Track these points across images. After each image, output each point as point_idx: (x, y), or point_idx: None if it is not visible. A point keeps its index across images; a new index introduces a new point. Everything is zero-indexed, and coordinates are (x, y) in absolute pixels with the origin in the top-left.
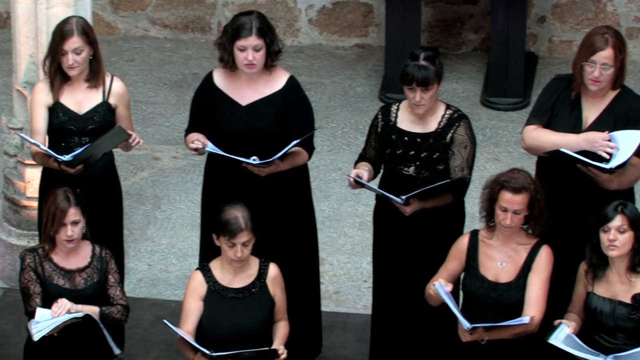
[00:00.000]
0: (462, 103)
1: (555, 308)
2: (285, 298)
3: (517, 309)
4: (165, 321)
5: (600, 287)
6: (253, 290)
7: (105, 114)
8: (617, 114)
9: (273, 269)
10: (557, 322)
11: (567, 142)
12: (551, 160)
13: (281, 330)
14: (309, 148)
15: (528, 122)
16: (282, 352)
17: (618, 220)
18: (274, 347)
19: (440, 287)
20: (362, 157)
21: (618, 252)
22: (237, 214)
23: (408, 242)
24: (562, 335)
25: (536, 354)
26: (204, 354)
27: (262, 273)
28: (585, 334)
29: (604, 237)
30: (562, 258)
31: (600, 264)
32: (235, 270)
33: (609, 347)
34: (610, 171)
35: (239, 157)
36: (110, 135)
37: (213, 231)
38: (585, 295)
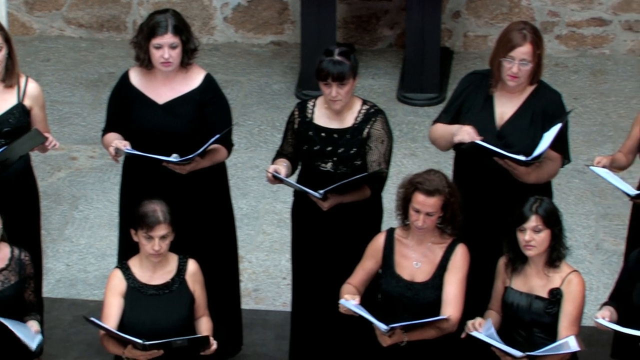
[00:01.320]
0: (379, 99)
1: (475, 306)
2: (205, 294)
3: (434, 309)
4: (92, 318)
5: (517, 282)
6: (173, 287)
7: (20, 116)
8: (535, 109)
9: (192, 265)
10: (471, 322)
11: (448, 131)
12: (468, 156)
13: (205, 325)
14: (228, 145)
15: (435, 119)
16: (213, 341)
17: (533, 221)
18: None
19: (345, 302)
20: (279, 154)
21: (535, 252)
22: (155, 207)
23: (326, 238)
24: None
25: (456, 354)
26: (135, 345)
27: (181, 269)
28: (502, 331)
29: (520, 237)
30: (482, 254)
31: (518, 259)
32: (154, 267)
33: (526, 344)
34: (527, 164)
35: (158, 155)
36: (27, 138)
37: (131, 226)
38: (503, 290)
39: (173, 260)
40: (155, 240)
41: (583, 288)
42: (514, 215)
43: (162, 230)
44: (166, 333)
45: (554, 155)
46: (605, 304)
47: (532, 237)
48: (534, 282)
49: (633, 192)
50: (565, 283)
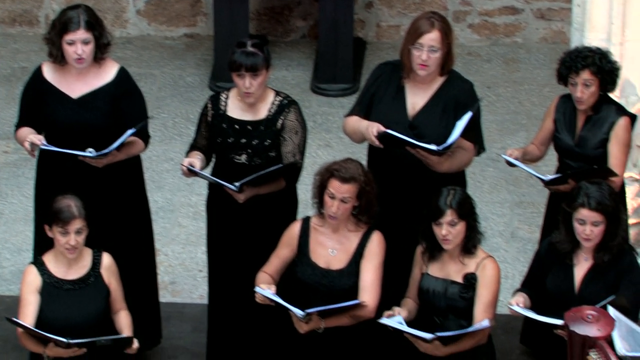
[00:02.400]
0: (292, 90)
1: (393, 296)
2: (122, 287)
3: (350, 296)
4: (14, 319)
5: (433, 268)
6: (89, 280)
7: None
8: (446, 99)
9: (106, 258)
10: (387, 313)
11: (358, 128)
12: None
13: (125, 320)
14: (145, 137)
15: (349, 112)
16: (135, 341)
17: (448, 215)
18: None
19: (261, 290)
20: (193, 147)
21: (452, 245)
22: (69, 202)
23: (242, 230)
24: (394, 321)
25: (373, 341)
26: (57, 343)
27: (96, 263)
28: (419, 319)
29: (437, 231)
30: (398, 245)
31: (435, 247)
32: (69, 262)
33: (441, 331)
34: (439, 153)
35: (74, 150)
36: None
37: (45, 222)
38: (420, 277)
39: (87, 254)
40: (71, 235)
41: (498, 273)
42: (429, 208)
43: (76, 224)
44: (83, 327)
45: (467, 144)
46: (517, 290)
47: (449, 230)
48: (450, 268)
49: (547, 177)
50: (480, 268)
